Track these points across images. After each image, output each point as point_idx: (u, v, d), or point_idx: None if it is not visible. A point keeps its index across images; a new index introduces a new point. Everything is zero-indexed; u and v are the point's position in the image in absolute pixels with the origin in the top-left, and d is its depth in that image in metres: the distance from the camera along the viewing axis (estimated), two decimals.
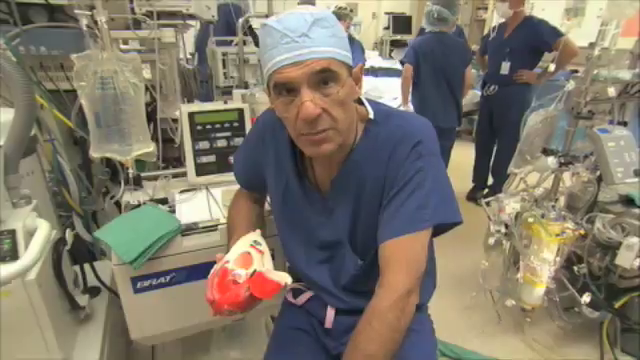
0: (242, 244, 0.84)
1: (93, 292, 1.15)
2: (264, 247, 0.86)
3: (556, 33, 2.53)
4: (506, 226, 1.77)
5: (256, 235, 0.88)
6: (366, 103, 0.86)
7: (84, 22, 1.05)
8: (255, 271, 0.76)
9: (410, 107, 2.81)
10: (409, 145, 0.79)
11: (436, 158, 0.81)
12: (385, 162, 0.80)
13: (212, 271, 0.79)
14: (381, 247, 0.79)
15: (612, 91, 1.61)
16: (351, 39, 3.40)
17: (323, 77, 0.70)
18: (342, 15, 3.08)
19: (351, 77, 0.76)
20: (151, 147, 1.16)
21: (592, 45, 1.60)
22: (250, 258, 0.80)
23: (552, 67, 2.13)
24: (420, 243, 0.79)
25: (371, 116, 0.84)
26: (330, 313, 0.98)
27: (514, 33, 2.66)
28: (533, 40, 2.61)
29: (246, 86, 1.72)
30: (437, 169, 0.81)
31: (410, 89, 2.78)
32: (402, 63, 2.76)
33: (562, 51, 2.44)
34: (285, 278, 0.76)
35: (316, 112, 0.70)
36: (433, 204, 0.78)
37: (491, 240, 1.79)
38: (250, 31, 2.03)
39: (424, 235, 0.79)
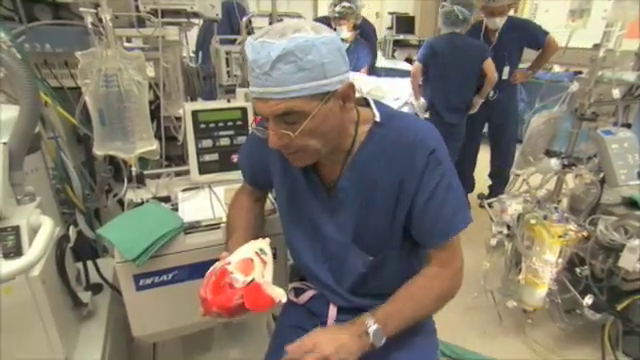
0: (248, 249, 0.83)
1: (95, 289, 1.15)
2: (269, 258, 0.85)
3: (544, 32, 2.62)
4: (508, 227, 1.77)
5: (264, 243, 0.87)
6: (372, 104, 0.87)
7: (89, 20, 1.06)
8: (253, 280, 0.75)
9: (422, 102, 2.82)
10: (425, 153, 0.80)
11: (449, 161, 0.84)
12: (398, 166, 0.81)
13: (212, 269, 0.79)
14: (430, 252, 0.88)
15: (616, 93, 1.60)
16: (357, 40, 3.37)
17: (285, 117, 0.73)
18: (345, 14, 3.05)
19: (332, 99, 0.74)
20: (154, 145, 1.16)
21: (597, 46, 1.59)
22: (252, 265, 0.79)
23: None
24: (458, 237, 0.88)
25: (377, 118, 0.84)
26: (332, 312, 0.98)
27: (506, 36, 2.66)
28: (528, 41, 2.67)
29: (249, 85, 1.72)
30: (454, 172, 0.84)
31: (419, 86, 2.81)
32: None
33: (547, 48, 2.60)
34: (281, 295, 0.76)
35: (278, 144, 0.76)
36: (464, 204, 0.85)
37: (493, 241, 1.79)
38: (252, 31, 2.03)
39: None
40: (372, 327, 0.77)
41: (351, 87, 0.77)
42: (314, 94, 0.71)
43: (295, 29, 0.69)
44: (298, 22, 0.72)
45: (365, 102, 0.88)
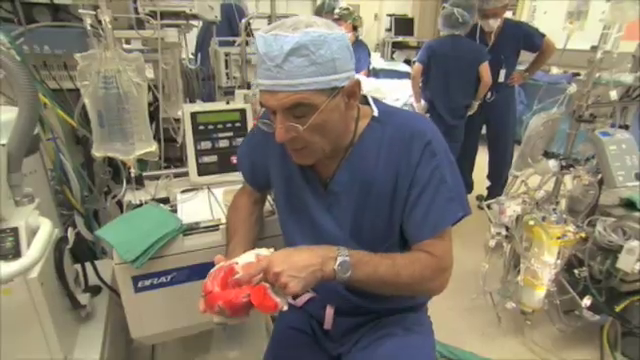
0: (254, 255, 0.82)
1: (94, 291, 1.15)
2: None
3: (541, 34, 2.63)
4: (507, 229, 1.77)
5: (268, 252, 0.87)
6: (371, 101, 0.88)
7: (88, 21, 1.06)
8: (260, 282, 0.75)
9: (422, 104, 2.82)
10: (421, 145, 0.80)
11: (447, 153, 0.83)
12: (395, 161, 0.82)
13: (218, 266, 0.79)
14: (418, 245, 0.83)
15: (614, 94, 1.61)
16: (358, 41, 3.39)
17: (294, 111, 0.73)
18: (342, 15, 3.07)
19: (339, 95, 0.75)
20: (153, 147, 1.16)
21: (594, 48, 1.59)
22: None
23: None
24: (450, 234, 0.84)
25: (375, 114, 0.85)
26: (329, 314, 0.98)
27: (503, 39, 2.67)
28: (524, 44, 2.68)
29: (248, 86, 1.72)
30: (451, 163, 0.83)
31: (419, 87, 2.81)
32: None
33: (544, 51, 2.62)
34: (284, 303, 0.75)
35: (286, 138, 0.76)
36: (458, 196, 0.82)
37: (492, 242, 1.79)
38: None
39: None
40: (341, 257, 0.74)
41: (357, 84, 0.78)
42: (323, 89, 0.72)
43: (307, 24, 0.70)
44: (309, 17, 0.73)
45: (364, 100, 0.89)
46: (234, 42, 1.86)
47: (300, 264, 0.72)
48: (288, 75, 0.69)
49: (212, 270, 0.79)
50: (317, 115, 0.73)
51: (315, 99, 0.72)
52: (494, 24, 2.58)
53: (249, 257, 0.80)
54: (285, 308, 0.74)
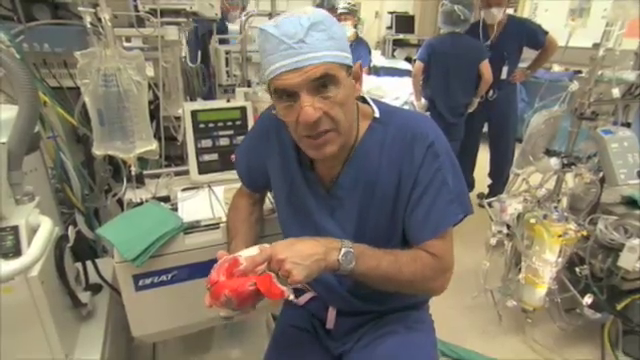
0: (257, 248, 0.82)
1: (95, 289, 1.15)
2: None
3: (544, 31, 2.61)
4: (508, 227, 1.77)
5: None
6: (370, 101, 0.87)
7: (88, 19, 1.05)
8: (264, 272, 0.75)
9: (423, 102, 2.82)
10: (423, 147, 0.80)
11: (450, 154, 0.83)
12: (398, 162, 0.81)
13: (221, 260, 0.78)
14: (420, 245, 0.83)
15: (616, 92, 1.60)
16: (358, 39, 3.39)
17: (321, 82, 0.72)
18: (351, 11, 3.11)
19: (350, 76, 0.77)
20: (154, 145, 1.16)
21: (596, 46, 1.59)
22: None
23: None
24: (451, 235, 0.84)
25: (376, 115, 0.84)
26: (331, 314, 0.98)
27: (505, 36, 2.65)
28: (527, 41, 2.67)
29: (249, 84, 1.72)
30: (453, 164, 0.83)
31: (421, 86, 2.80)
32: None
33: (547, 48, 2.61)
34: (290, 292, 0.75)
35: (316, 116, 0.72)
36: (458, 198, 0.82)
37: (493, 241, 1.79)
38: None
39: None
40: (345, 248, 0.74)
41: (359, 66, 0.80)
42: (342, 63, 0.73)
43: (311, 10, 0.73)
44: (309, 7, 0.76)
45: (362, 100, 0.88)
46: (228, 41, 1.86)
47: (304, 252, 0.71)
48: (312, 48, 0.69)
49: (216, 264, 0.79)
50: (342, 90, 0.73)
51: (339, 72, 0.73)
52: (498, 14, 2.55)
53: (252, 251, 0.80)
54: (291, 297, 0.74)
